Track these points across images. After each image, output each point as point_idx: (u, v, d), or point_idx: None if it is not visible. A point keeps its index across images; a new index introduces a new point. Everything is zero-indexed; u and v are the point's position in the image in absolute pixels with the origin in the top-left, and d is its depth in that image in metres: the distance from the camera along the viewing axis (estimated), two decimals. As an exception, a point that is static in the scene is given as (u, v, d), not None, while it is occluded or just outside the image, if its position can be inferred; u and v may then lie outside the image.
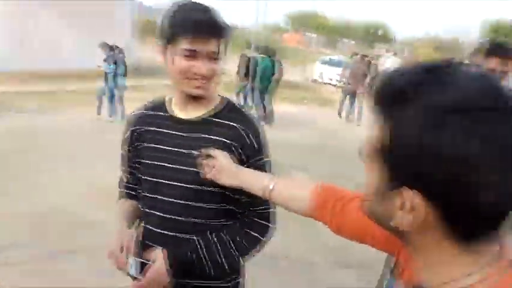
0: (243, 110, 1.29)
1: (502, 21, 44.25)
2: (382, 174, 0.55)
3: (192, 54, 1.10)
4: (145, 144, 1.25)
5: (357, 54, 10.63)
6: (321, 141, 7.69)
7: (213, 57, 1.13)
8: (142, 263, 1.15)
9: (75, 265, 3.00)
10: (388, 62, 14.98)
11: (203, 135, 1.20)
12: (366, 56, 11.90)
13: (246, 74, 9.17)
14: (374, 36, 54.70)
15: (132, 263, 1.15)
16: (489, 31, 44.01)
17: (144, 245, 1.23)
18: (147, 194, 1.26)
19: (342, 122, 9.96)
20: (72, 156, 5.57)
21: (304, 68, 19.56)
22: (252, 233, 1.23)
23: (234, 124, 1.20)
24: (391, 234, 0.65)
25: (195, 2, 1.15)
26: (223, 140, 1.18)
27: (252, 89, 9.08)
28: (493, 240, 0.55)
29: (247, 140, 1.20)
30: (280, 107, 10.58)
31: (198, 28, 1.08)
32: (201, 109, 1.22)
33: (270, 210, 1.26)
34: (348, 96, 10.10)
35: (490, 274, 0.53)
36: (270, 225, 1.26)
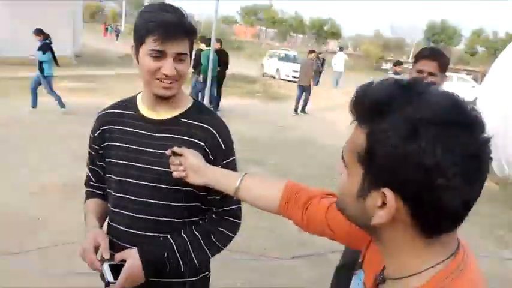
0: (211, 110, 1.31)
1: (445, 23, 47.29)
2: (362, 177, 0.62)
3: (160, 55, 1.10)
4: (114, 143, 1.24)
5: (313, 52, 10.98)
6: (273, 134, 7.83)
7: (182, 58, 1.13)
8: (115, 265, 1.14)
9: (26, 265, 2.86)
10: (336, 58, 15.49)
11: (174, 136, 1.20)
12: (320, 53, 12.57)
13: (195, 67, 9.11)
14: (324, 32, 56.16)
15: (106, 268, 1.13)
16: (433, 32, 46.92)
17: (111, 243, 1.22)
18: (115, 193, 1.25)
19: (294, 116, 10.17)
20: (16, 149, 5.24)
21: (257, 61, 19.66)
22: (224, 230, 1.26)
23: (204, 125, 1.22)
24: (361, 230, 0.72)
25: (165, 4, 1.15)
26: (195, 140, 1.20)
27: (203, 81, 9.04)
28: (453, 234, 0.63)
29: (217, 141, 1.22)
30: (233, 100, 10.62)
31: (166, 29, 1.08)
32: (171, 109, 1.23)
33: (239, 207, 1.30)
34: (303, 91, 10.41)
35: (450, 266, 0.61)
36: (239, 222, 1.30)
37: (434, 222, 0.59)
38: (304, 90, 10.33)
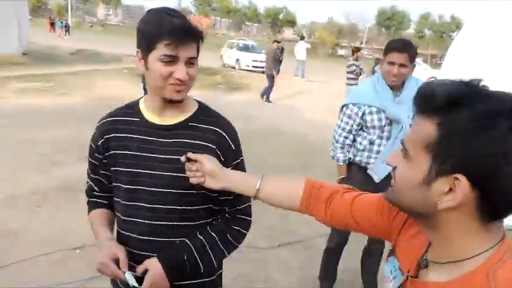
0: (217, 112, 1.32)
1: (395, 8, 49.02)
2: (429, 164, 0.67)
3: (173, 60, 1.10)
4: (120, 152, 1.23)
5: (278, 42, 11.17)
6: (242, 125, 7.84)
7: (192, 62, 1.14)
8: (138, 277, 1.14)
9: (9, 280, 2.72)
10: (298, 47, 15.63)
11: (184, 140, 1.20)
12: (279, 42, 12.71)
13: None
14: (279, 20, 56.47)
15: (129, 276, 1.13)
16: (383, 19, 48.51)
17: (128, 252, 1.20)
18: (125, 202, 1.24)
19: (260, 105, 10.24)
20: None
21: (214, 52, 19.46)
22: (239, 229, 1.28)
23: (213, 128, 1.23)
24: (414, 216, 0.76)
25: (170, 8, 1.16)
26: (205, 144, 1.20)
27: None
28: (502, 222, 0.69)
29: (227, 142, 1.23)
30: (195, 92, 10.46)
31: (178, 34, 1.08)
32: (178, 114, 1.23)
33: (249, 204, 1.32)
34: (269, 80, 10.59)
35: (499, 251, 0.67)
36: (251, 219, 1.32)
37: (496, 208, 0.65)
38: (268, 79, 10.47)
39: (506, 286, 0.64)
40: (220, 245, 1.25)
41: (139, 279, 1.14)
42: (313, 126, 8.50)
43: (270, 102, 10.56)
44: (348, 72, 9.70)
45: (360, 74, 9.60)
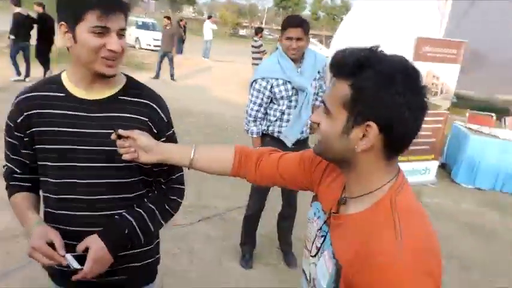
0: (145, 85, 1.31)
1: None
2: (346, 118, 0.82)
3: (103, 31, 1.07)
4: (46, 128, 1.17)
5: (181, 20, 10.88)
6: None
7: (122, 33, 1.12)
8: (79, 256, 1.12)
9: None
10: (205, 26, 15.36)
11: (116, 114, 1.19)
12: (181, 20, 12.39)
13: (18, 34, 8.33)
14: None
15: (69, 258, 1.11)
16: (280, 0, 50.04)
17: (63, 232, 1.17)
18: (57, 180, 1.20)
19: (167, 86, 9.98)
20: None
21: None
22: (176, 198, 1.33)
23: (144, 101, 1.23)
24: (336, 162, 0.94)
25: None
26: (138, 117, 1.20)
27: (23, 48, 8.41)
28: (397, 159, 0.89)
29: (159, 114, 1.24)
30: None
31: (108, 3, 1.06)
32: (107, 88, 1.20)
33: (182, 174, 1.37)
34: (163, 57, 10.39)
35: (393, 187, 0.86)
36: (184, 187, 1.38)
37: (398, 146, 0.84)
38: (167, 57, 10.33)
39: (403, 207, 0.83)
40: (159, 216, 1.28)
41: (80, 259, 1.11)
42: (223, 104, 8.63)
43: (174, 80, 10.41)
44: (253, 52, 9.93)
45: (265, 53, 9.92)
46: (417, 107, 0.80)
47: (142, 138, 1.12)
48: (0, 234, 3.04)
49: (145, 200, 1.28)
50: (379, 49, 0.83)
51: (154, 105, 1.24)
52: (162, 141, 1.23)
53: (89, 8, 1.05)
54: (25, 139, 1.19)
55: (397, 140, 0.83)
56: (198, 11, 71.13)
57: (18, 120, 1.18)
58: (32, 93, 1.20)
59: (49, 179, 1.21)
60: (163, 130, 1.25)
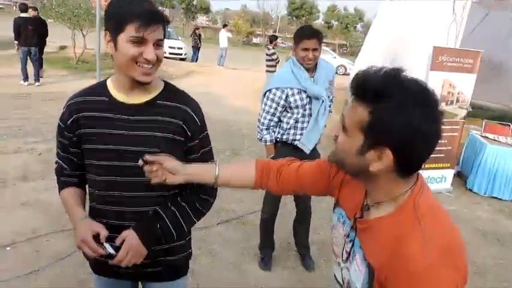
0: (182, 90, 1.42)
1: (303, 0, 51.06)
2: (362, 141, 0.88)
3: (141, 41, 1.17)
4: (92, 130, 1.29)
5: (197, 28, 11.00)
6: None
7: (160, 43, 1.22)
8: (117, 247, 1.24)
9: None
10: (220, 34, 15.52)
11: (154, 118, 1.28)
12: (197, 28, 12.62)
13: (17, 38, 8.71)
14: (192, 6, 55.27)
15: (107, 245, 1.23)
16: (293, 8, 50.27)
17: (106, 225, 1.29)
18: (100, 177, 1.31)
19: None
20: None
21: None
22: (207, 197, 1.41)
23: (180, 105, 1.32)
24: (351, 174, 1.01)
25: None
26: (174, 120, 1.29)
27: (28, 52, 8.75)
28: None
29: (193, 118, 1.33)
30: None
31: (147, 16, 1.16)
32: (146, 93, 1.30)
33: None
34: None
35: (415, 192, 0.93)
36: (216, 188, 1.43)
37: (412, 167, 0.90)
38: None
39: (426, 209, 0.90)
40: (190, 213, 1.37)
41: (117, 249, 1.23)
42: (237, 112, 8.74)
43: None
44: (267, 60, 10.04)
45: (278, 61, 10.01)
46: (432, 135, 0.84)
47: (168, 161, 1.19)
48: (29, 234, 3.18)
49: (179, 198, 1.37)
50: (401, 71, 0.87)
51: (188, 109, 1.32)
52: (196, 143, 1.33)
53: (130, 20, 1.15)
54: (73, 139, 1.31)
55: (410, 163, 0.89)
56: (212, 19, 71.93)
57: (68, 122, 1.30)
58: (80, 98, 1.32)
59: (93, 176, 1.33)
60: (196, 132, 1.34)
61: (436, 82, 4.81)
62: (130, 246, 1.24)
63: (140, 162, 1.17)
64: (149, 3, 1.19)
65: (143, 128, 1.27)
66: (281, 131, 2.81)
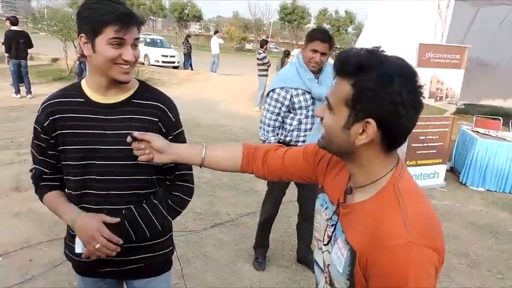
0: (156, 88, 1.45)
1: (295, 4, 51.40)
2: (347, 114, 0.90)
3: (120, 43, 1.20)
4: (68, 131, 1.30)
5: (189, 36, 11.07)
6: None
7: (136, 44, 1.25)
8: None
9: None
10: (212, 41, 15.56)
11: (130, 116, 1.31)
12: (189, 36, 12.72)
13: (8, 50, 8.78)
14: (184, 15, 55.49)
15: (78, 241, 1.29)
16: (285, 13, 50.56)
17: None
18: (77, 177, 1.32)
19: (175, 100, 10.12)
20: None
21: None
22: (179, 194, 1.42)
23: (155, 103, 1.34)
24: (339, 155, 1.03)
25: None
26: (149, 118, 1.32)
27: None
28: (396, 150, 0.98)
29: (168, 115, 1.35)
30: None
31: (125, 19, 1.19)
32: (121, 93, 1.32)
33: (190, 172, 1.45)
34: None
35: (395, 175, 0.95)
36: (192, 186, 1.47)
37: (395, 140, 0.92)
38: None
39: (405, 192, 0.92)
40: (163, 211, 1.38)
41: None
42: (230, 117, 8.78)
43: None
44: (258, 64, 10.10)
45: (270, 65, 10.07)
46: (413, 106, 0.86)
47: (156, 140, 1.19)
48: (22, 243, 3.17)
49: (152, 197, 1.38)
50: (380, 50, 0.90)
51: (163, 106, 1.35)
52: (170, 140, 1.33)
53: (108, 23, 1.18)
54: (51, 141, 1.32)
55: (393, 136, 0.90)
56: (204, 27, 72.22)
57: (45, 124, 1.31)
58: (56, 100, 1.33)
59: (70, 177, 1.33)
60: (171, 129, 1.37)
61: (424, 78, 4.86)
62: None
63: (129, 138, 1.16)
64: (124, 6, 1.22)
65: (120, 127, 1.29)
66: (284, 132, 2.78)
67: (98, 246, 1.25)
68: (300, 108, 2.70)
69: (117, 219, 1.29)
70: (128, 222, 1.33)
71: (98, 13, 1.19)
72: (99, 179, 1.30)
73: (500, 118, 6.01)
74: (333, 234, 1.04)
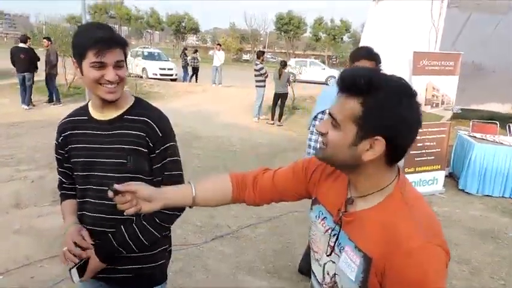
0: (150, 104, 1.51)
1: (291, 13, 51.87)
2: (355, 132, 0.93)
3: (101, 65, 1.29)
4: (75, 146, 1.46)
5: (196, 50, 11.21)
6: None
7: (120, 64, 1.33)
8: (80, 267, 1.39)
9: None
10: (215, 54, 15.68)
11: (122, 131, 1.40)
12: (196, 50, 12.78)
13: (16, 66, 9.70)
14: (183, 27, 55.94)
15: (73, 272, 1.36)
16: (281, 23, 50.98)
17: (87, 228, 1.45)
18: (81, 186, 1.48)
19: (175, 112, 10.17)
20: None
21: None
22: (165, 211, 1.38)
23: (143, 118, 1.41)
24: (340, 167, 1.05)
25: (98, 22, 1.44)
26: (138, 133, 1.39)
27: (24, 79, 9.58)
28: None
29: (154, 129, 1.40)
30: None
31: (103, 44, 1.27)
32: (116, 110, 1.43)
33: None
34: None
35: (399, 182, 0.99)
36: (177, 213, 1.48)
37: (398, 155, 0.96)
38: None
39: (411, 197, 0.97)
40: (150, 229, 1.43)
41: (84, 265, 1.40)
42: (230, 128, 8.80)
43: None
44: (256, 75, 10.15)
45: (267, 76, 10.11)
46: (415, 122, 0.92)
47: (142, 189, 1.09)
48: (23, 260, 3.18)
49: (140, 215, 1.40)
50: (381, 70, 0.96)
51: (150, 121, 1.41)
52: (157, 153, 1.40)
53: (88, 48, 1.28)
54: (65, 155, 1.49)
55: (397, 151, 0.95)
56: (201, 38, 72.77)
57: (59, 141, 1.49)
58: (67, 119, 1.51)
59: (77, 186, 1.49)
60: (159, 144, 1.41)
61: (419, 86, 4.91)
62: (93, 269, 1.42)
63: (110, 193, 1.04)
64: (105, 30, 1.31)
65: (113, 142, 1.40)
66: None
67: (64, 249, 1.38)
68: None
69: (89, 243, 1.40)
70: (117, 243, 1.41)
71: (80, 39, 1.31)
72: (96, 189, 1.42)
73: (497, 122, 6.04)
74: (336, 244, 1.05)
